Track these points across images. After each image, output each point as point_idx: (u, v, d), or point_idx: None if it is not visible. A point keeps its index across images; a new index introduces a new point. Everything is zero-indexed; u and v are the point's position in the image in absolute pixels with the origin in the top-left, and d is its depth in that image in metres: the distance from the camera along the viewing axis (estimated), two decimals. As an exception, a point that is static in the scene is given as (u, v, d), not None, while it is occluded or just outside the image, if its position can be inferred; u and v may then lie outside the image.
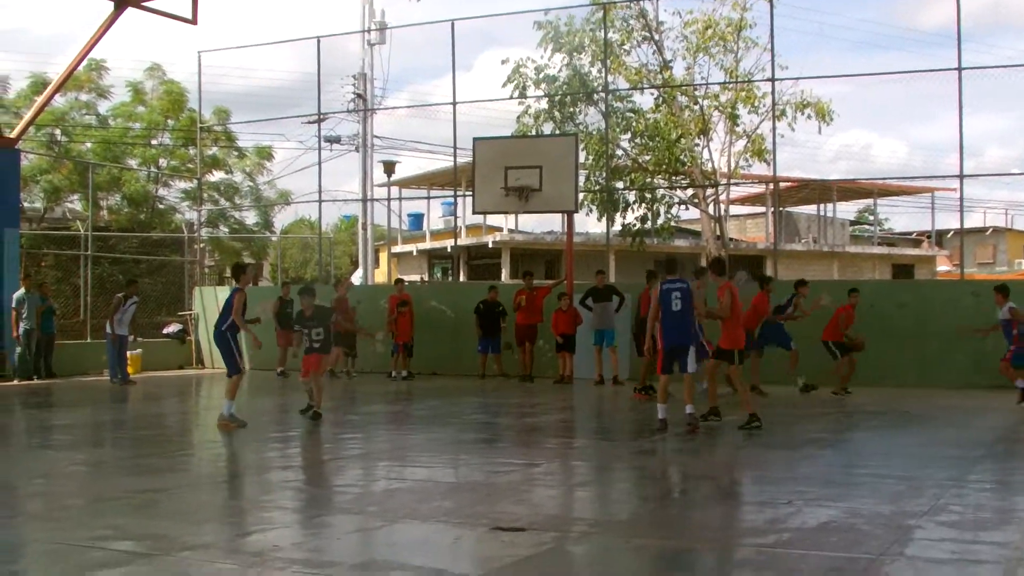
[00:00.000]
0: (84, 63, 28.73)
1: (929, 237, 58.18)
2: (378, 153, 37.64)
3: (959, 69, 21.59)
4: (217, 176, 37.04)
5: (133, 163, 36.40)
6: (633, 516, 9.36)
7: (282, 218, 72.16)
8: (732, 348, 14.66)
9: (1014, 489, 10.01)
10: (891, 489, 10.08)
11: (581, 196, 27.26)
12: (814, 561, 7.26)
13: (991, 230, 64.24)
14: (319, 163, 30.10)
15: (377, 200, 38.32)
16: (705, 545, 7.93)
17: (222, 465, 12.74)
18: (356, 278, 36.46)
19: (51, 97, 28.00)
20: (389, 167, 42.26)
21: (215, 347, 27.44)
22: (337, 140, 35.81)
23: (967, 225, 31.22)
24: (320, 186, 30.38)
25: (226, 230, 38.12)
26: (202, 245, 33.00)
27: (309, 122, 32.22)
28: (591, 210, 31.56)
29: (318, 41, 28.70)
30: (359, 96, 34.18)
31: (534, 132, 30.12)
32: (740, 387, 14.69)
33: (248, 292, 15.55)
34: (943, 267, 56.55)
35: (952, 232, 55.45)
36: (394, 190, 47.74)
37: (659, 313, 14.40)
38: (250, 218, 39.05)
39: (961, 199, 23.27)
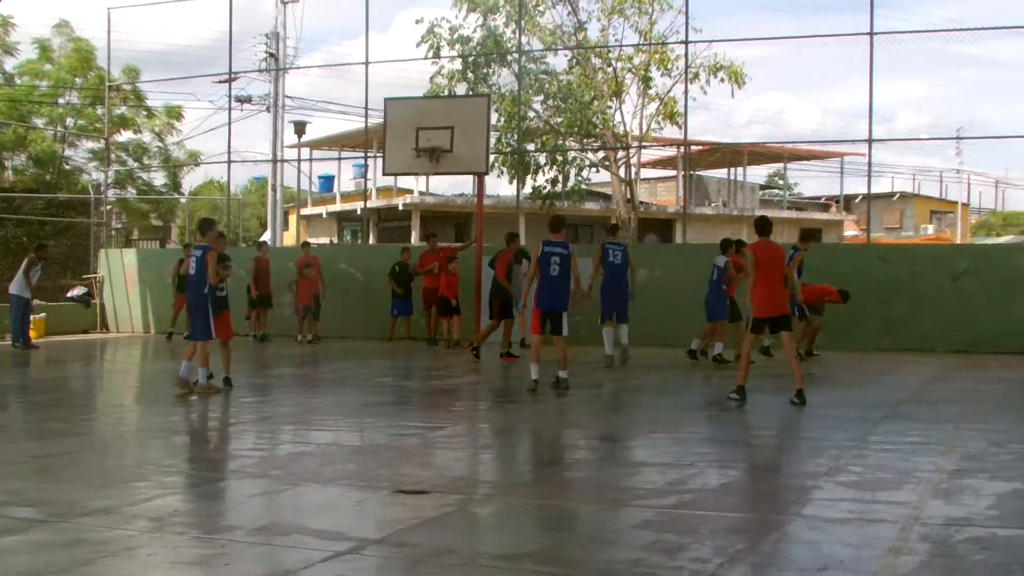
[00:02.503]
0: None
1: (837, 202, 58.91)
2: (289, 114, 37.19)
3: (871, 34, 21.81)
4: (125, 136, 36.41)
5: (39, 122, 35.68)
6: (536, 478, 9.39)
7: (191, 180, 71.28)
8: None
9: (914, 450, 10.16)
10: (792, 450, 10.22)
11: (492, 158, 27.17)
12: (715, 522, 7.33)
13: (898, 195, 65.11)
14: (229, 123, 29.73)
15: (287, 161, 37.89)
16: (607, 506, 7.96)
17: (125, 429, 12.54)
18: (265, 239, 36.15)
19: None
20: (300, 128, 41.79)
21: (128, 310, 26.88)
22: (248, 100, 35.25)
23: (875, 190, 31.67)
24: (229, 147, 30.16)
25: (134, 192, 37.54)
26: (109, 207, 32.41)
27: (220, 82, 31.77)
28: (502, 172, 31.50)
29: (230, -2, 28.29)
30: (271, 55, 33.74)
31: (447, 93, 29.97)
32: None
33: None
34: (850, 232, 57.24)
35: (860, 197, 56.11)
36: (304, 151, 47.29)
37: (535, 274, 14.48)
38: (158, 179, 38.48)
39: (869, 164, 23.55)
